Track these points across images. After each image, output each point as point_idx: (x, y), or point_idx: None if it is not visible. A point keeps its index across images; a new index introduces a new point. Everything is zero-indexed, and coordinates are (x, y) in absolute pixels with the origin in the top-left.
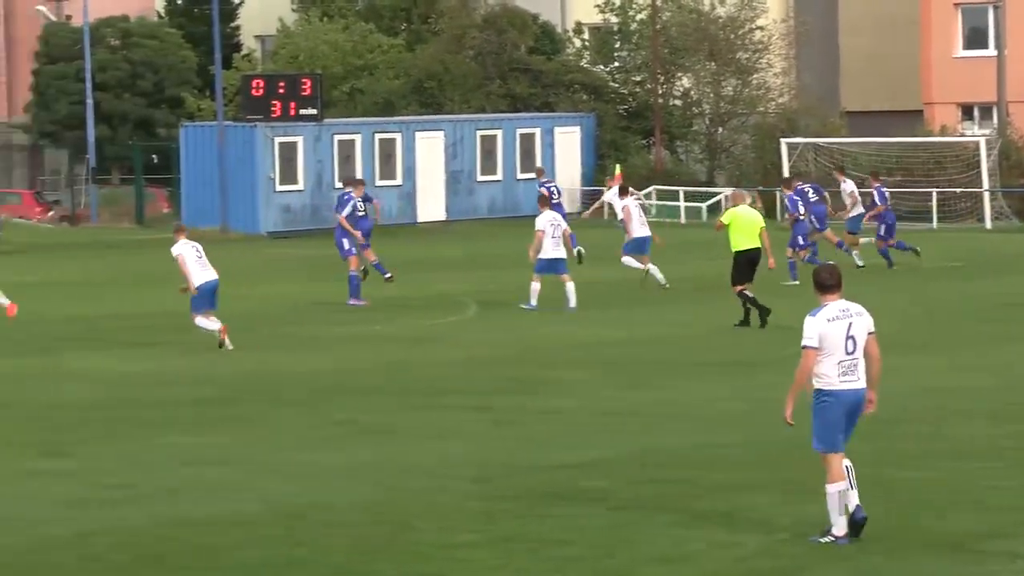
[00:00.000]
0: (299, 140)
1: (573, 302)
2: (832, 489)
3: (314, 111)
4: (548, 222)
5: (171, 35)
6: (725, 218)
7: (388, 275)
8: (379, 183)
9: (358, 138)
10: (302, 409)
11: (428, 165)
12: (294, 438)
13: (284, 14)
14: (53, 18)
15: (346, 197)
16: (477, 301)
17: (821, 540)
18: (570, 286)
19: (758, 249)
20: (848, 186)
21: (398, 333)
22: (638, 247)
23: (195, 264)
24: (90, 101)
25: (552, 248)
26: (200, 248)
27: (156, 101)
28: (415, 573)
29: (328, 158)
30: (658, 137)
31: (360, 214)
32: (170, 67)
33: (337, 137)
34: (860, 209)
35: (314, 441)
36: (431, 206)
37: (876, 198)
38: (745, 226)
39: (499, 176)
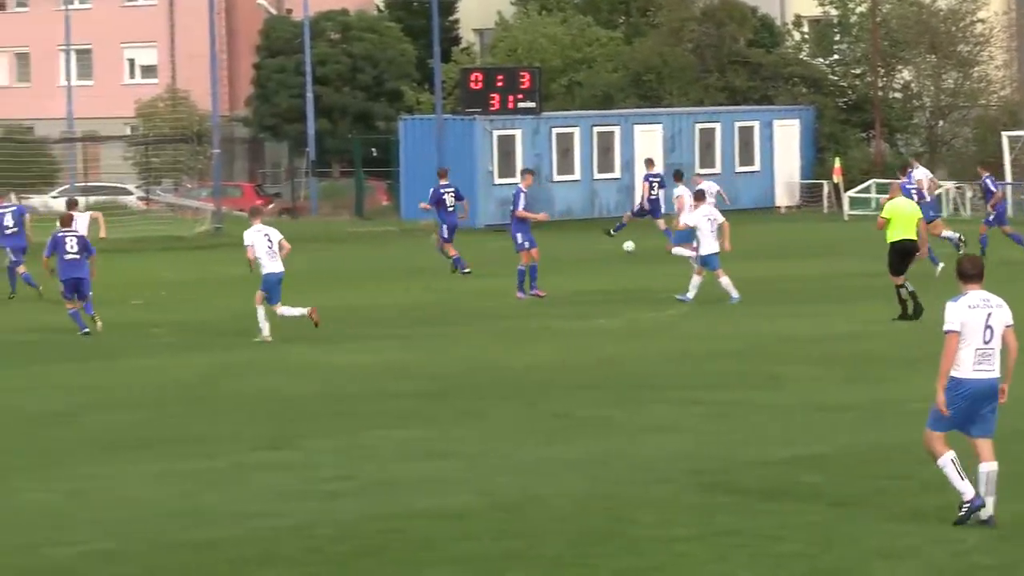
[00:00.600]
0: (517, 133)
1: (735, 294)
2: (943, 462)
3: (532, 104)
4: (704, 216)
5: (390, 29)
6: (885, 213)
7: (467, 270)
8: (597, 176)
9: (576, 131)
10: (519, 402)
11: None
12: (511, 431)
13: (503, 7)
14: (274, 12)
15: (515, 192)
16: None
17: (961, 514)
18: (725, 280)
19: (913, 241)
20: (920, 173)
21: (615, 327)
22: (687, 237)
23: (264, 254)
24: (310, 95)
25: (712, 242)
26: (272, 236)
27: (375, 95)
28: (631, 567)
29: (546, 151)
30: (878, 130)
31: (450, 209)
32: (389, 61)
33: (555, 130)
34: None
35: (531, 434)
36: None
37: (990, 186)
38: (903, 218)
39: (718, 169)
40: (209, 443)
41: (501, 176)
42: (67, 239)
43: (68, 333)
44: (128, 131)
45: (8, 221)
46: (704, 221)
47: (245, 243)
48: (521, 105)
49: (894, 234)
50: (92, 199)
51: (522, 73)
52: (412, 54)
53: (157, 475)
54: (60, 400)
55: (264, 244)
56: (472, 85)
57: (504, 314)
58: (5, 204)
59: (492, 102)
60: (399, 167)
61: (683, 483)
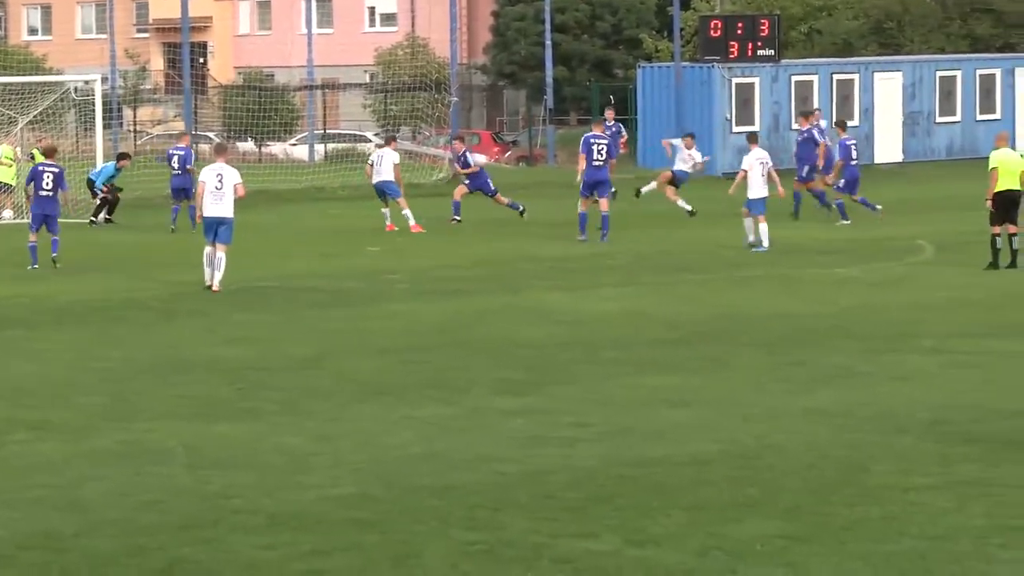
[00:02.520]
0: (756, 81)
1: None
2: None
3: (771, 52)
4: (757, 160)
5: None
6: (992, 162)
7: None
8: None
9: (815, 79)
10: (760, 351)
11: (886, 106)
12: (751, 380)
13: None
14: None
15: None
16: (934, 244)
17: None
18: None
19: (1017, 191)
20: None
21: (853, 276)
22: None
23: (208, 194)
24: (549, 42)
25: (762, 187)
26: (225, 178)
27: (614, 42)
28: (867, 515)
29: (785, 99)
30: None
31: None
32: (628, 8)
33: (794, 78)
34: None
35: (771, 383)
36: (888, 147)
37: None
38: (1007, 168)
39: (958, 118)
40: (450, 389)
41: (739, 124)
42: (44, 174)
43: (312, 279)
44: (367, 79)
45: (175, 164)
46: (757, 164)
47: (200, 179)
48: (760, 53)
49: (999, 184)
50: (331, 146)
51: (761, 20)
52: (652, 2)
53: (398, 420)
54: (308, 345)
55: (213, 183)
56: (711, 33)
57: (739, 262)
58: (179, 146)
59: (731, 50)
60: (636, 115)
61: (925, 433)
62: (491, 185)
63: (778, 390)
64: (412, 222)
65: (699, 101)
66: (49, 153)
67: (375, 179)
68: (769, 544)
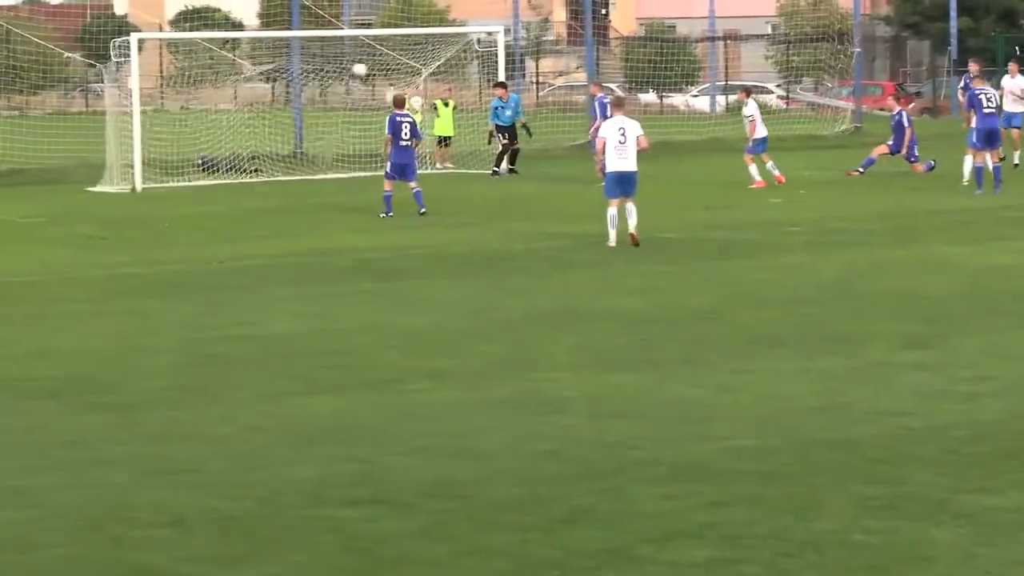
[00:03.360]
0: None
1: None
2: None
3: None
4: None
5: None
6: None
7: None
8: None
9: None
10: None
11: None
12: None
13: None
14: None
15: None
16: None
17: None
18: None
19: None
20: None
21: None
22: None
23: (612, 149)
24: None
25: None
26: (628, 131)
27: None
28: None
29: None
30: None
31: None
32: None
33: None
34: None
35: None
36: None
37: None
38: None
39: None
40: (848, 341)
41: None
42: (403, 124)
43: (711, 230)
44: (769, 30)
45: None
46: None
47: (600, 134)
48: None
49: None
50: (733, 98)
51: None
52: None
53: (798, 372)
54: (705, 295)
55: (616, 138)
56: None
57: None
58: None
59: None
60: None
61: None
62: (914, 151)
63: None
64: (758, 177)
65: None
66: (399, 103)
67: (759, 134)
68: None
